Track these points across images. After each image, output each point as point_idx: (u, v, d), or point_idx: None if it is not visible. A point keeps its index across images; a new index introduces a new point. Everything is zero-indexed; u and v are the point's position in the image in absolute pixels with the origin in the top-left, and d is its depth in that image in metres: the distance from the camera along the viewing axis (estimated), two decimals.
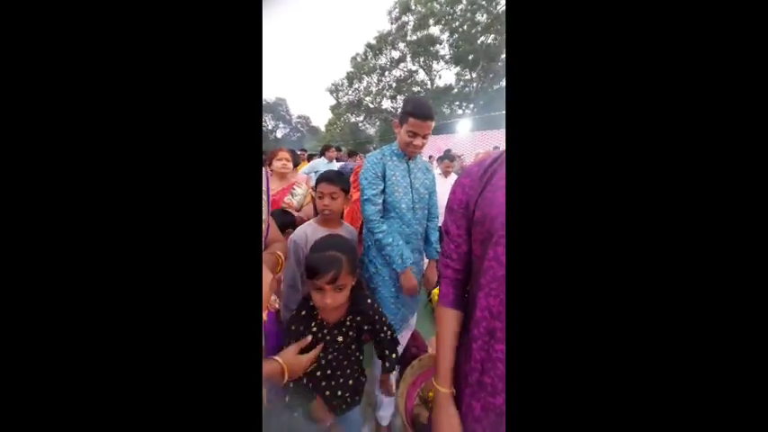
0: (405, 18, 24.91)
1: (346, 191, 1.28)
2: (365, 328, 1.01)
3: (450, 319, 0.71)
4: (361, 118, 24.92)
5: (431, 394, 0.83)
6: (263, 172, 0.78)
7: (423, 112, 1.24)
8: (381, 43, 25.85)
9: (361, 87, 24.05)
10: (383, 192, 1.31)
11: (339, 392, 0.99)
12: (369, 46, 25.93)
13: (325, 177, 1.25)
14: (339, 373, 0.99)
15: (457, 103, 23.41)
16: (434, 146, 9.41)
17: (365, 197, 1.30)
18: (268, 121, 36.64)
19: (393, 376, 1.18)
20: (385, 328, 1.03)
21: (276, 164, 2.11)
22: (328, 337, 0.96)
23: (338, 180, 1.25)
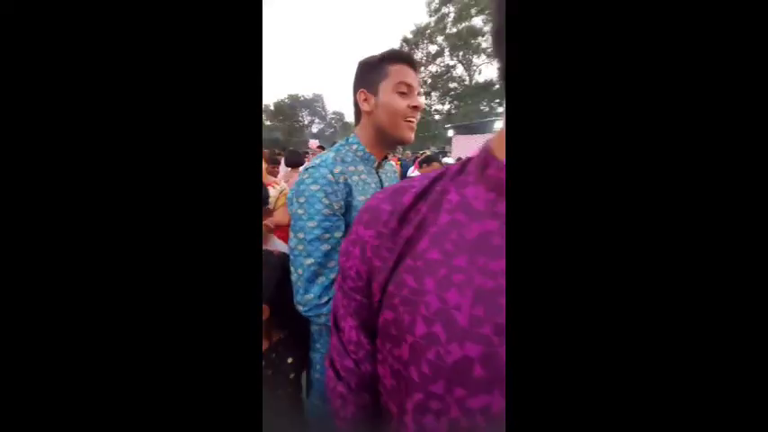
0: (445, 9, 23.56)
1: None
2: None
3: None
4: None
5: None
6: None
7: (407, 55, 0.86)
8: (418, 37, 24.75)
9: None
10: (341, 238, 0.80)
11: None
12: (405, 40, 24.92)
13: None
14: None
15: (497, 100, 21.76)
16: (470, 147, 8.14)
17: (311, 260, 0.77)
18: (305, 117, 37.30)
19: None
20: None
21: None
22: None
23: None
